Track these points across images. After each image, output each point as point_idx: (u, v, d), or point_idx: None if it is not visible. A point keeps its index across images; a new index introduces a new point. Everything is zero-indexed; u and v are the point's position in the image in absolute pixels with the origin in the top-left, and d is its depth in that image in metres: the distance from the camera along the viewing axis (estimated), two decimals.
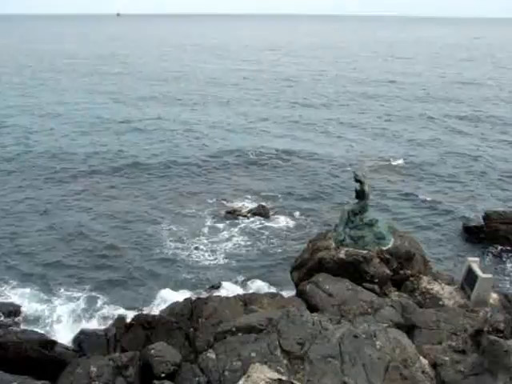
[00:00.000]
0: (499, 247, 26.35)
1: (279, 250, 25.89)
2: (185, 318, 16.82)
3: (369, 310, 16.26)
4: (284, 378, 11.39)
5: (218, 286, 22.26)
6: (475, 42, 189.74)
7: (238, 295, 19.02)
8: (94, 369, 12.93)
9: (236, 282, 22.89)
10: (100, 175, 36.81)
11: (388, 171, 37.92)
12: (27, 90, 72.69)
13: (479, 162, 40.46)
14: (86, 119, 54.01)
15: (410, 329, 15.23)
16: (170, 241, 26.68)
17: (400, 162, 39.98)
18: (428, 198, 32.92)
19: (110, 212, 30.21)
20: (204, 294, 20.47)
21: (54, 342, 16.10)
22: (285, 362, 12.33)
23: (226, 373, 12.30)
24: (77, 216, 29.59)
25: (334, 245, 19.93)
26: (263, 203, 31.06)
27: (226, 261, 24.76)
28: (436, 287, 18.51)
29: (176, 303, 18.47)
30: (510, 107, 62.22)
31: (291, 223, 29.05)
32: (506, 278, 23.52)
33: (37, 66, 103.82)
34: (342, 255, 19.31)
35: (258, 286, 22.51)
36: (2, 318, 19.48)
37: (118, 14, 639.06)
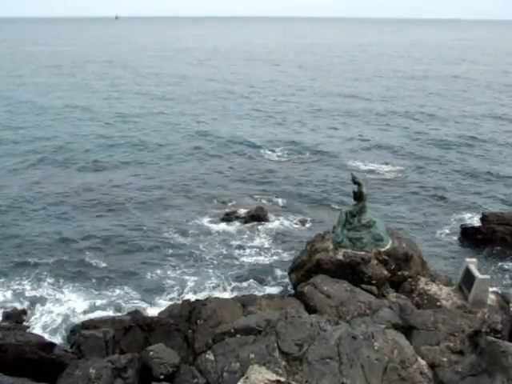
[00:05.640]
0: (497, 248, 26.40)
1: (277, 252, 25.91)
2: (183, 319, 16.86)
3: (367, 311, 16.33)
4: (282, 379, 11.44)
5: (216, 288, 22.29)
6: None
7: (237, 297, 19.11)
8: (92, 371, 13.00)
9: (234, 284, 22.90)
10: (100, 172, 37.42)
11: (385, 173, 38.01)
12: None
13: (477, 164, 40.58)
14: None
15: (407, 330, 15.29)
16: (167, 243, 26.66)
17: (397, 163, 40.08)
18: (425, 200, 32.99)
19: (106, 214, 30.24)
20: (202, 296, 20.47)
21: (53, 344, 16.12)
22: (283, 363, 12.39)
23: (225, 374, 12.36)
24: (74, 216, 29.63)
25: (332, 246, 20.01)
26: (261, 205, 31.08)
27: (224, 262, 24.76)
28: (434, 288, 18.57)
29: (174, 305, 18.52)
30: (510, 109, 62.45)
31: (289, 225, 29.08)
32: (504, 278, 23.57)
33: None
34: (340, 257, 19.40)
35: (257, 287, 22.52)
36: (1, 320, 19.48)
37: (117, 17, 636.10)
